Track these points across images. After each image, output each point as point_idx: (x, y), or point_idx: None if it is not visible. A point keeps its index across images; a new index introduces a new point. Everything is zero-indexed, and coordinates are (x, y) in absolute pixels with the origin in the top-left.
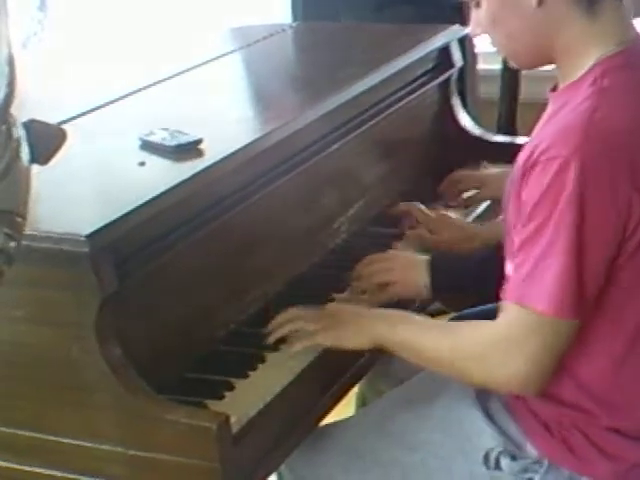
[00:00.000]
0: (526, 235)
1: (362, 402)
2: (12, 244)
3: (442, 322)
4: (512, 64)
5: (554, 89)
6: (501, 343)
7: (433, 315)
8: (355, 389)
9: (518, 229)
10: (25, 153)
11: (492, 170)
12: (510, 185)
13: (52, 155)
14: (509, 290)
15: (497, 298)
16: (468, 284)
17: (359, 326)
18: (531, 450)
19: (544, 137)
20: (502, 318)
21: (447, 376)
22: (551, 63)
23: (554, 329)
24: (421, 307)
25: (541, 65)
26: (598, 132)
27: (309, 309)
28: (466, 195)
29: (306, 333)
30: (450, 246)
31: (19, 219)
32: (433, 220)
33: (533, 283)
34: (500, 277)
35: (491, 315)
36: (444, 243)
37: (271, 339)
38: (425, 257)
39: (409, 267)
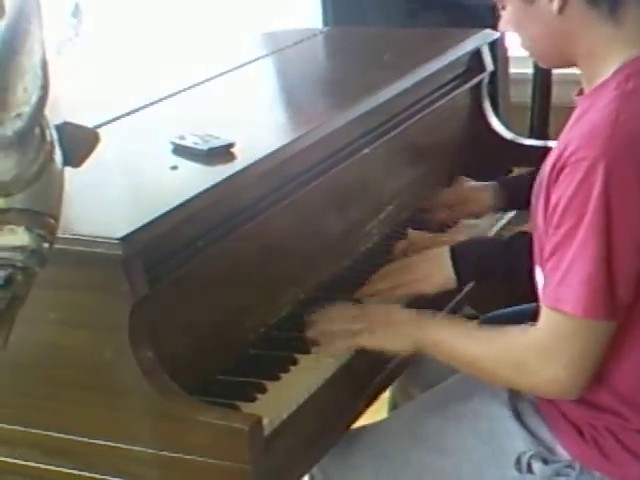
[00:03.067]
0: (558, 239)
1: (393, 406)
2: (45, 245)
3: (481, 327)
4: (539, 64)
5: (580, 93)
6: (539, 349)
7: None
8: (386, 393)
9: (549, 233)
10: (58, 155)
11: (473, 184)
12: (538, 188)
13: (85, 158)
14: (544, 295)
15: (527, 287)
16: (495, 267)
17: (400, 330)
18: (563, 453)
19: (571, 140)
20: (539, 324)
21: (484, 381)
22: (575, 66)
23: (589, 332)
24: (454, 309)
25: (567, 66)
26: (623, 134)
27: (350, 307)
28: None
29: (347, 333)
30: None
31: (52, 221)
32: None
33: (566, 287)
34: (529, 260)
35: (522, 316)
36: None
37: (311, 334)
38: (445, 247)
39: (429, 261)
